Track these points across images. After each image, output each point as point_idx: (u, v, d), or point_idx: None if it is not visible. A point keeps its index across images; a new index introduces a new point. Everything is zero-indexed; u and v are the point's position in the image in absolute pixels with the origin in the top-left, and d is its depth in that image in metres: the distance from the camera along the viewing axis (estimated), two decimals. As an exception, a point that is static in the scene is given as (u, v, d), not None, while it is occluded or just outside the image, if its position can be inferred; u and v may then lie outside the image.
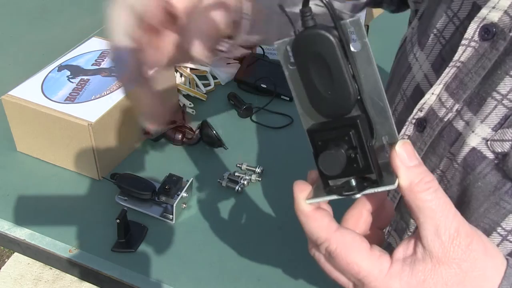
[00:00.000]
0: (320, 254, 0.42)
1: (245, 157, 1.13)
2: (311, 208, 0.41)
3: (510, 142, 0.45)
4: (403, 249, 0.40)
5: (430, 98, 0.52)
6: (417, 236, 0.39)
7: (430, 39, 0.55)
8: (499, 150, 0.46)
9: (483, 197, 0.48)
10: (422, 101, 0.53)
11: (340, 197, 0.41)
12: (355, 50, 0.39)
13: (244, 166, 1.09)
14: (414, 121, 0.54)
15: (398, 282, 0.39)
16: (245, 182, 1.06)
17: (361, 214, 0.44)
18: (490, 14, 0.47)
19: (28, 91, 1.10)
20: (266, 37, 0.59)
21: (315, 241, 0.41)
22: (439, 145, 0.52)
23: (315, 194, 0.42)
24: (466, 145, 0.49)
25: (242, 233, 0.98)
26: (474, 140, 0.48)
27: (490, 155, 0.47)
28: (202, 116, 1.16)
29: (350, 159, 0.39)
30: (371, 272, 0.39)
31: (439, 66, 0.52)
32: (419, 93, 0.54)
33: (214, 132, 1.12)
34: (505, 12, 0.46)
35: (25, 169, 1.11)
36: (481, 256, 0.39)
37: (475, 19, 0.48)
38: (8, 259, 2.19)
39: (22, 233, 0.98)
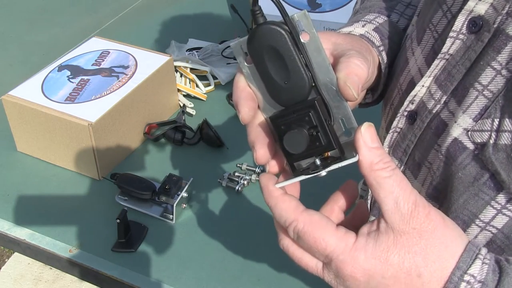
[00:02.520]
0: (289, 240, 0.45)
1: (245, 157, 1.13)
2: (280, 192, 0.44)
3: (488, 132, 0.46)
4: (367, 227, 0.43)
5: (420, 91, 0.53)
6: (379, 213, 0.42)
7: (425, 33, 0.56)
8: (479, 141, 0.47)
9: (463, 188, 0.49)
10: (412, 93, 0.54)
11: (307, 176, 0.44)
12: (305, 41, 0.43)
13: (244, 166, 1.09)
14: (406, 113, 0.55)
15: (364, 254, 0.41)
16: (245, 182, 1.06)
17: (332, 210, 0.47)
18: (477, 6, 0.48)
19: (28, 91, 1.10)
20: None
21: (283, 224, 0.44)
22: (427, 137, 0.53)
23: (283, 179, 0.45)
24: (449, 136, 0.49)
25: (242, 233, 0.98)
26: (456, 131, 0.49)
27: (471, 146, 0.48)
28: (202, 116, 1.16)
29: (312, 138, 0.42)
30: (337, 246, 0.42)
31: (431, 59, 0.53)
32: (412, 87, 0.55)
33: (214, 132, 1.12)
34: (491, 4, 0.47)
35: (25, 169, 1.11)
36: (440, 226, 0.42)
37: (463, 11, 0.49)
38: (8, 259, 2.19)
39: (22, 233, 0.98)
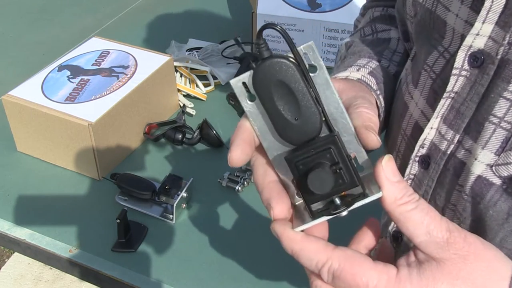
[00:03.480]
0: (323, 283, 0.41)
1: (245, 157, 1.13)
2: (302, 235, 0.41)
3: None
4: (404, 259, 0.40)
5: (429, 133, 0.52)
6: (413, 248, 0.40)
7: (422, 75, 0.54)
8: (505, 174, 0.45)
9: (497, 226, 0.47)
10: (422, 137, 0.52)
11: (328, 217, 0.41)
12: (313, 74, 0.40)
13: (244, 166, 1.09)
14: (417, 158, 0.53)
15: (409, 285, 0.39)
16: (245, 182, 1.06)
17: (358, 250, 0.43)
18: (476, 41, 0.47)
19: (28, 91, 1.10)
20: None
21: (315, 268, 0.40)
22: (446, 179, 0.51)
23: (300, 223, 0.42)
24: (471, 174, 0.47)
25: (242, 233, 0.98)
26: (478, 168, 0.47)
27: (497, 181, 0.46)
28: (202, 116, 1.16)
29: (335, 175, 0.40)
30: (380, 280, 0.39)
31: (433, 100, 0.52)
32: (418, 130, 0.53)
33: (214, 132, 1.12)
34: (490, 37, 0.46)
35: (25, 169, 1.11)
36: (480, 248, 0.39)
37: (462, 47, 0.47)
38: (8, 259, 2.19)
39: (22, 233, 0.98)
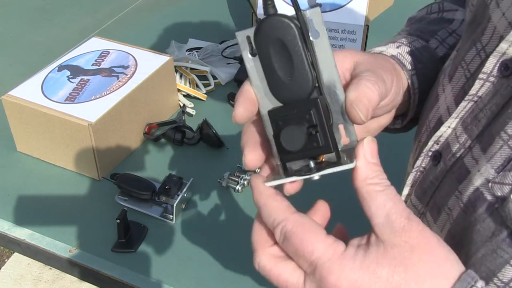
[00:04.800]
0: (267, 257, 0.42)
1: (245, 157, 1.13)
2: (272, 191, 0.43)
3: (509, 186, 0.43)
4: (357, 240, 0.41)
5: (446, 131, 0.51)
6: (370, 231, 0.40)
7: (457, 71, 0.53)
8: (499, 194, 0.44)
9: (480, 242, 0.46)
10: (438, 133, 0.52)
11: (298, 178, 0.42)
12: (314, 39, 0.41)
13: (244, 166, 1.09)
14: (430, 153, 0.53)
15: (352, 263, 0.39)
16: (245, 182, 1.06)
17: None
18: (510, 48, 0.45)
19: (28, 91, 1.10)
20: None
21: (271, 224, 0.42)
22: (449, 181, 0.50)
23: (274, 179, 0.44)
24: (471, 185, 0.47)
25: (242, 233, 0.98)
26: (478, 180, 0.46)
27: (491, 198, 0.45)
28: (202, 116, 1.16)
29: (311, 137, 0.41)
30: (325, 252, 0.40)
31: (460, 99, 0.50)
32: (439, 126, 0.52)
33: (214, 132, 1.12)
34: None
35: (25, 169, 1.11)
36: (434, 244, 0.40)
37: (494, 53, 0.46)
38: (8, 259, 2.19)
39: (22, 233, 0.98)
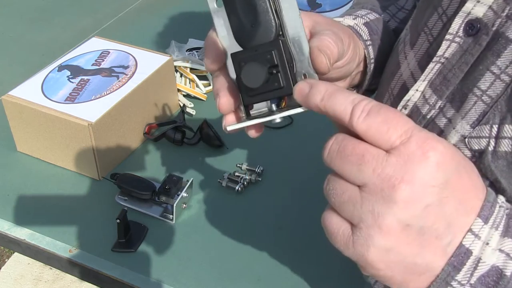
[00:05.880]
0: (343, 136, 0.39)
1: (245, 157, 1.13)
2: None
3: (487, 139, 0.45)
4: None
5: (414, 95, 0.52)
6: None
7: (420, 37, 0.54)
8: (476, 148, 0.45)
9: None
10: (406, 98, 0.53)
11: (260, 120, 0.44)
12: None
13: (244, 166, 1.09)
14: None
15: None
16: (245, 182, 1.06)
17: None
18: (475, 8, 0.46)
19: (28, 91, 1.10)
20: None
21: (351, 103, 0.38)
22: None
23: (237, 123, 0.46)
24: None
25: (242, 233, 0.98)
26: (454, 137, 0.47)
27: (468, 153, 0.46)
28: (202, 116, 1.16)
29: (271, 77, 0.42)
30: (416, 125, 0.38)
31: (425, 63, 0.52)
32: (405, 91, 0.54)
33: (214, 132, 1.12)
34: (490, 7, 0.45)
35: (25, 169, 1.11)
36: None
37: (460, 13, 0.47)
38: (8, 259, 2.19)
39: (22, 233, 0.98)
